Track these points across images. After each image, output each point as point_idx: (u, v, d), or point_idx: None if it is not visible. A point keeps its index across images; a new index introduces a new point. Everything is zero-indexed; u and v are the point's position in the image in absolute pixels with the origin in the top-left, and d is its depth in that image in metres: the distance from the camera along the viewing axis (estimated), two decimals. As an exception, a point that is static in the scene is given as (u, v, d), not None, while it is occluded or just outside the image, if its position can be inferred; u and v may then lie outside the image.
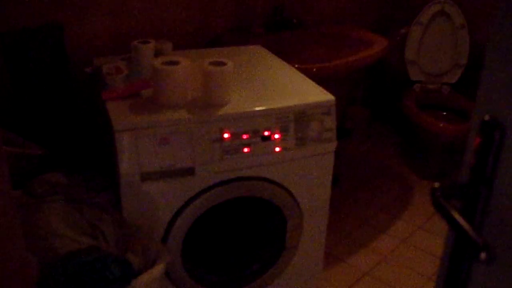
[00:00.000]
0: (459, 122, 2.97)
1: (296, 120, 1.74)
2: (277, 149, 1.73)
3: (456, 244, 0.72)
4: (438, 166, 3.11)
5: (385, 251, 2.52)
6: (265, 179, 1.77)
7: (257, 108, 1.70)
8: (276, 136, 1.72)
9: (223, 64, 1.67)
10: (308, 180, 1.85)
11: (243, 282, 1.95)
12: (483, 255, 0.58)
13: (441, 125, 2.89)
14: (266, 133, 1.71)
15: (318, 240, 2.02)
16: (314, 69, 2.18)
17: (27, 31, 1.91)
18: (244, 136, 1.68)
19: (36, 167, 1.71)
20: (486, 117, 0.68)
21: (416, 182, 3.10)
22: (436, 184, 0.70)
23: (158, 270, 1.44)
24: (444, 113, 3.16)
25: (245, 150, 1.68)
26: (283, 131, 1.73)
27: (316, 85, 1.88)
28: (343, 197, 2.92)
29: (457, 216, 0.62)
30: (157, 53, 1.89)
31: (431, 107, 3.14)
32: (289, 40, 2.68)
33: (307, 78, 1.94)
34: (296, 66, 2.07)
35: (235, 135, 1.66)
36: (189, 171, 1.63)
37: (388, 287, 2.29)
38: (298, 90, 1.86)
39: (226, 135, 1.65)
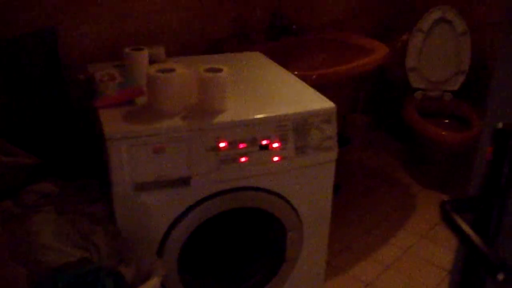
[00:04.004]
0: (461, 130, 2.92)
1: (296, 129, 1.69)
2: (276, 158, 1.68)
3: (468, 261, 0.66)
4: (440, 174, 3.06)
5: (388, 261, 2.46)
6: (263, 190, 1.71)
7: (255, 116, 1.65)
8: (275, 145, 1.67)
9: (219, 70, 1.62)
10: (308, 190, 1.80)
11: (242, 295, 1.89)
12: (500, 276, 0.52)
13: (443, 133, 2.85)
14: (264, 142, 1.65)
15: (319, 251, 1.96)
16: (314, 76, 2.13)
17: (20, 38, 1.87)
18: (241, 145, 1.62)
19: (27, 176, 1.66)
20: (500, 125, 0.63)
21: (419, 191, 3.05)
22: (446, 197, 0.65)
23: (152, 284, 1.38)
24: (446, 121, 3.12)
25: (242, 159, 1.63)
26: (282, 139, 1.68)
27: (317, 93, 1.83)
28: (344, 206, 2.87)
29: (470, 232, 0.57)
30: (151, 59, 1.85)
31: (433, 115, 3.09)
32: (288, 46, 2.64)
33: (307, 85, 1.89)
34: (296, 73, 2.03)
35: (231, 144, 1.61)
36: (185, 181, 1.58)
37: (390, 299, 2.24)
38: (298, 97, 1.82)
39: (222, 144, 1.60)
